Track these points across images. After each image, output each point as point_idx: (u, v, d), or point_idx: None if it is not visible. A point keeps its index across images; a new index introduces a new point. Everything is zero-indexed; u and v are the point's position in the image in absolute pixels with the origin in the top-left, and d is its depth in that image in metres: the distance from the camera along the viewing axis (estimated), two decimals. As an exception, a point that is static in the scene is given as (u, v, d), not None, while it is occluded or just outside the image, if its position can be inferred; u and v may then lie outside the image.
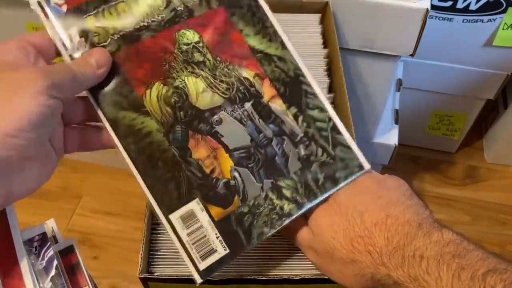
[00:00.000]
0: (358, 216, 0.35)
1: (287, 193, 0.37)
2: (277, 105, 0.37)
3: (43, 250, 0.37)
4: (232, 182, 0.36)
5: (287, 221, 0.37)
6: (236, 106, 0.37)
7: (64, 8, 0.35)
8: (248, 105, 0.37)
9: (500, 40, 0.73)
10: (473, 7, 0.70)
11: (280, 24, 0.39)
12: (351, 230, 0.35)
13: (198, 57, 0.37)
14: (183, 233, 0.35)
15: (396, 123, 0.77)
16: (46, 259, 0.37)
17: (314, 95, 0.38)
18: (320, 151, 0.38)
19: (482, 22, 0.71)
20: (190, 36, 0.37)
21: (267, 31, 0.38)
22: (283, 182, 0.37)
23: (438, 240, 0.32)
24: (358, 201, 0.36)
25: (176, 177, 0.35)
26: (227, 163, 0.36)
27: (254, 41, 0.38)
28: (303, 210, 0.37)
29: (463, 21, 0.72)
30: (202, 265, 0.35)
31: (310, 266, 0.39)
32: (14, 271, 0.35)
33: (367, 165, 0.38)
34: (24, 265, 0.35)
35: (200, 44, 0.37)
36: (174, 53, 0.37)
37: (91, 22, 0.36)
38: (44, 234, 0.38)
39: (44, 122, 0.30)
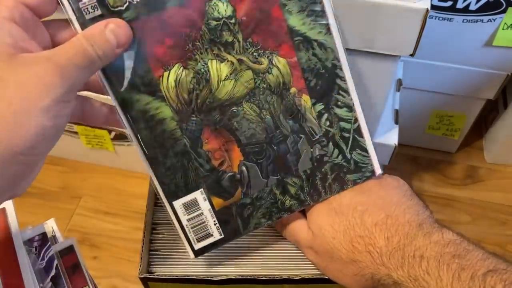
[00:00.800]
0: (359, 217, 0.35)
1: (291, 190, 0.37)
2: (303, 100, 0.35)
3: (43, 250, 0.37)
4: (238, 176, 0.36)
5: (285, 215, 0.37)
6: (257, 98, 0.34)
7: None
8: (271, 98, 0.34)
9: (500, 40, 0.73)
10: (473, 7, 0.69)
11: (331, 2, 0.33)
12: (351, 230, 0.34)
13: (227, 36, 0.32)
14: (183, 218, 0.36)
15: (396, 123, 0.76)
16: (46, 259, 0.37)
17: (347, 92, 0.36)
18: (336, 152, 0.37)
19: (482, 22, 0.71)
20: (222, 9, 0.31)
21: (314, 8, 0.33)
22: (290, 179, 0.37)
23: (438, 240, 0.32)
24: (358, 201, 0.36)
25: (184, 167, 0.35)
26: (238, 157, 0.36)
27: (296, 21, 0.33)
28: (304, 207, 0.38)
29: (463, 21, 0.72)
30: (197, 246, 0.37)
31: (310, 266, 0.39)
32: (14, 271, 0.35)
33: (378, 171, 0.38)
34: (24, 265, 0.35)
35: (232, 21, 0.32)
36: (201, 29, 0.32)
37: None
38: (44, 234, 0.38)
39: (58, 132, 0.28)
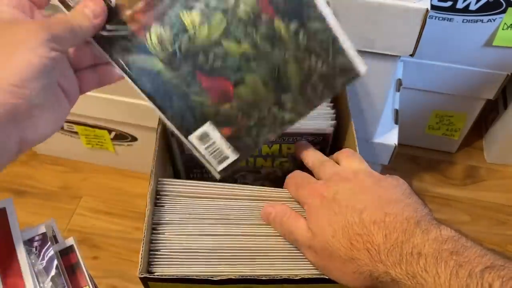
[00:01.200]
0: (357, 215, 0.35)
1: (288, 105, 0.40)
2: (275, 24, 0.37)
3: (43, 250, 0.37)
4: (236, 104, 0.40)
5: (287, 127, 0.41)
6: (233, 34, 0.37)
7: None
8: (245, 29, 0.37)
9: (500, 40, 0.73)
10: (473, 7, 0.70)
11: None
12: (350, 228, 0.35)
13: None
14: (201, 148, 0.41)
15: (396, 123, 0.77)
16: (46, 259, 0.37)
17: (315, 6, 0.37)
18: (320, 63, 0.38)
19: (482, 22, 0.71)
20: None
21: None
22: (284, 96, 0.40)
23: (436, 237, 0.32)
24: (357, 200, 0.36)
25: (189, 106, 0.39)
26: (231, 88, 0.39)
27: None
28: (302, 118, 0.41)
29: (463, 21, 0.72)
30: (219, 167, 0.42)
31: (310, 266, 0.39)
32: (14, 271, 0.35)
33: (363, 70, 0.40)
34: (24, 265, 0.35)
35: None
36: None
37: None
38: (44, 234, 0.38)
39: (47, 73, 0.32)
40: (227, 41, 0.37)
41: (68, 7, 0.35)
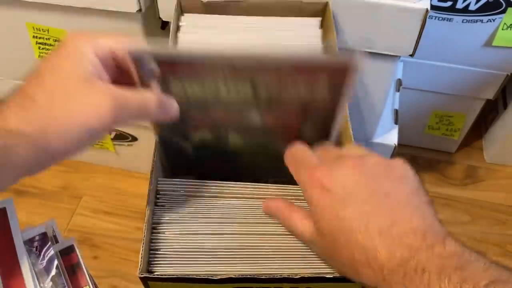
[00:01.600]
0: (363, 223, 0.33)
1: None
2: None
3: (44, 250, 0.37)
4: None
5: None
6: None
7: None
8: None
9: (500, 40, 0.73)
10: (472, 7, 0.70)
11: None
12: (353, 237, 0.33)
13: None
14: None
15: (396, 123, 0.77)
16: (46, 259, 0.37)
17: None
18: None
19: (482, 22, 0.71)
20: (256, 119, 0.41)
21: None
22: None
23: (440, 252, 0.31)
24: (363, 200, 0.34)
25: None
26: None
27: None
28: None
29: (462, 21, 0.72)
30: None
31: (310, 265, 0.39)
32: (14, 271, 0.35)
33: None
34: (25, 265, 0.35)
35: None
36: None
37: (177, 86, 0.37)
38: (44, 234, 0.38)
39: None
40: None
41: (144, 85, 0.36)
